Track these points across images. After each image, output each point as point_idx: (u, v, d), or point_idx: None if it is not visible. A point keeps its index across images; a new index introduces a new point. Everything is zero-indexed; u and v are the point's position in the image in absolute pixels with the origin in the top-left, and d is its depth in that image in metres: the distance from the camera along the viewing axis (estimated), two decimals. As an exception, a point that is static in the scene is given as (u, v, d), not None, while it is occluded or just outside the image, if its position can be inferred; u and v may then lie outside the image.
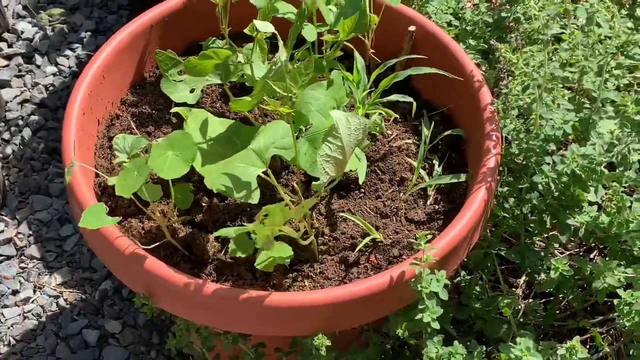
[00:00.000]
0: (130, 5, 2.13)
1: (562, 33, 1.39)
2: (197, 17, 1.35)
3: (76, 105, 1.18)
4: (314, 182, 1.03)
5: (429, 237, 1.05)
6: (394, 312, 1.10)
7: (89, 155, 1.21)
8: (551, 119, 1.13)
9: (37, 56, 2.02)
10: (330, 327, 1.05)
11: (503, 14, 1.57)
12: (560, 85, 1.21)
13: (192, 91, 1.15)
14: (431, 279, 1.04)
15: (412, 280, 1.04)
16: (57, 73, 1.99)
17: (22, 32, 2.06)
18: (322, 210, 1.19)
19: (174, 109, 1.08)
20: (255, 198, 1.02)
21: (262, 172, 1.06)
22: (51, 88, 1.96)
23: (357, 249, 1.13)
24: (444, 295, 1.05)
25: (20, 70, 1.99)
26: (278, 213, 0.95)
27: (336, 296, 1.03)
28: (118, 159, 1.15)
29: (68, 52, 2.04)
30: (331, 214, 1.19)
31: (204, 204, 1.18)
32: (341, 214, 1.18)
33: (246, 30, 1.10)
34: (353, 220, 1.17)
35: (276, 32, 1.04)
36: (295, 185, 1.10)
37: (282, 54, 0.95)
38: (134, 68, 1.33)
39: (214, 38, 1.29)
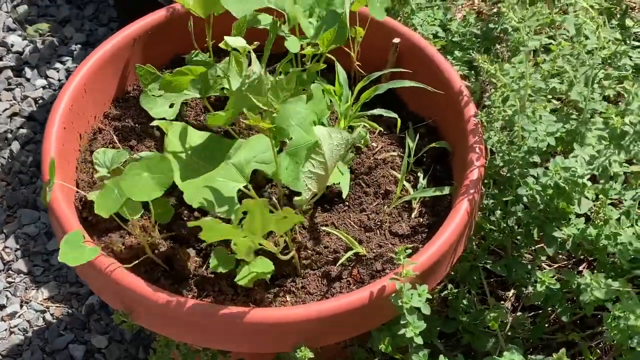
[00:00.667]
0: (119, 18, 2.13)
1: (551, 44, 1.38)
2: (182, 30, 1.34)
3: (57, 120, 1.17)
4: (295, 198, 1.02)
5: (409, 251, 1.03)
6: (377, 327, 1.09)
7: (70, 169, 1.20)
8: (534, 131, 1.12)
9: (27, 69, 2.01)
10: (313, 342, 1.03)
11: (491, 25, 1.57)
12: (550, 97, 1.20)
13: (171, 106, 1.14)
14: (412, 294, 1.03)
15: (393, 295, 1.02)
16: (47, 86, 1.99)
17: (12, 45, 2.05)
18: (305, 223, 1.18)
19: (155, 122, 1.07)
20: (235, 215, 1.01)
21: (243, 187, 1.05)
22: (40, 101, 1.95)
23: (338, 263, 1.11)
24: (426, 310, 1.04)
25: (9, 84, 1.98)
26: (257, 212, 0.93)
27: (317, 311, 1.01)
28: (98, 174, 1.15)
29: (58, 65, 2.03)
30: (314, 228, 1.18)
31: (185, 219, 1.17)
32: (324, 227, 1.17)
33: (221, 45, 1.09)
34: (336, 234, 1.16)
35: (248, 46, 1.03)
36: (275, 200, 1.09)
37: (256, 67, 0.94)
38: (117, 81, 1.32)
39: (197, 51, 1.28)
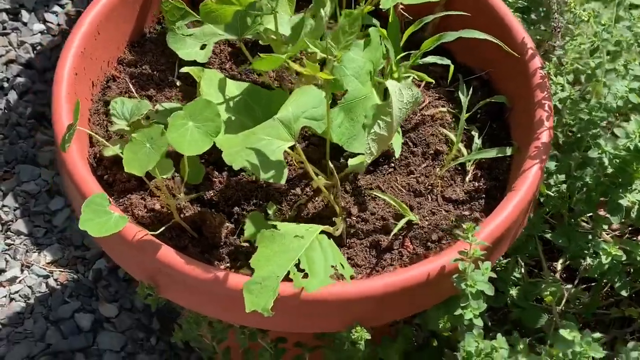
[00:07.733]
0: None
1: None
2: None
3: (67, 64, 1.03)
4: (351, 161, 0.89)
5: (477, 228, 0.91)
6: (434, 306, 0.97)
7: (82, 121, 1.06)
8: (615, 87, 0.99)
9: (23, 12, 1.85)
10: (365, 322, 0.91)
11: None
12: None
13: (203, 47, 1.00)
14: (475, 277, 0.90)
15: (455, 277, 0.90)
16: (45, 31, 1.83)
17: (7, -14, 1.89)
18: (347, 187, 1.05)
19: (185, 69, 0.93)
20: (283, 178, 0.87)
21: (290, 147, 0.91)
22: (39, 47, 1.80)
23: (392, 233, 0.99)
24: (490, 291, 0.92)
25: (4, 28, 1.82)
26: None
27: (371, 288, 0.89)
28: (116, 126, 1.01)
29: (57, 8, 1.87)
30: (358, 192, 1.05)
31: (214, 179, 1.04)
32: (370, 191, 1.04)
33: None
34: (383, 199, 1.03)
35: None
36: (330, 164, 0.95)
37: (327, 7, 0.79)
38: (133, 23, 1.17)
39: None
